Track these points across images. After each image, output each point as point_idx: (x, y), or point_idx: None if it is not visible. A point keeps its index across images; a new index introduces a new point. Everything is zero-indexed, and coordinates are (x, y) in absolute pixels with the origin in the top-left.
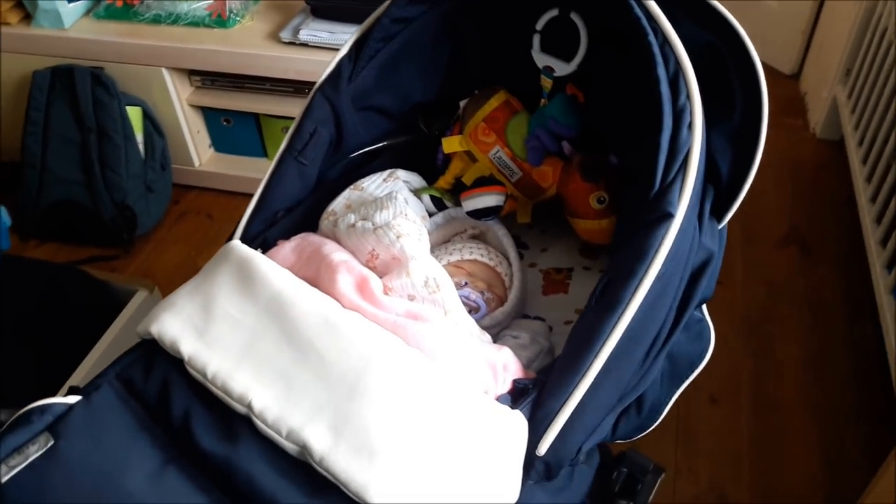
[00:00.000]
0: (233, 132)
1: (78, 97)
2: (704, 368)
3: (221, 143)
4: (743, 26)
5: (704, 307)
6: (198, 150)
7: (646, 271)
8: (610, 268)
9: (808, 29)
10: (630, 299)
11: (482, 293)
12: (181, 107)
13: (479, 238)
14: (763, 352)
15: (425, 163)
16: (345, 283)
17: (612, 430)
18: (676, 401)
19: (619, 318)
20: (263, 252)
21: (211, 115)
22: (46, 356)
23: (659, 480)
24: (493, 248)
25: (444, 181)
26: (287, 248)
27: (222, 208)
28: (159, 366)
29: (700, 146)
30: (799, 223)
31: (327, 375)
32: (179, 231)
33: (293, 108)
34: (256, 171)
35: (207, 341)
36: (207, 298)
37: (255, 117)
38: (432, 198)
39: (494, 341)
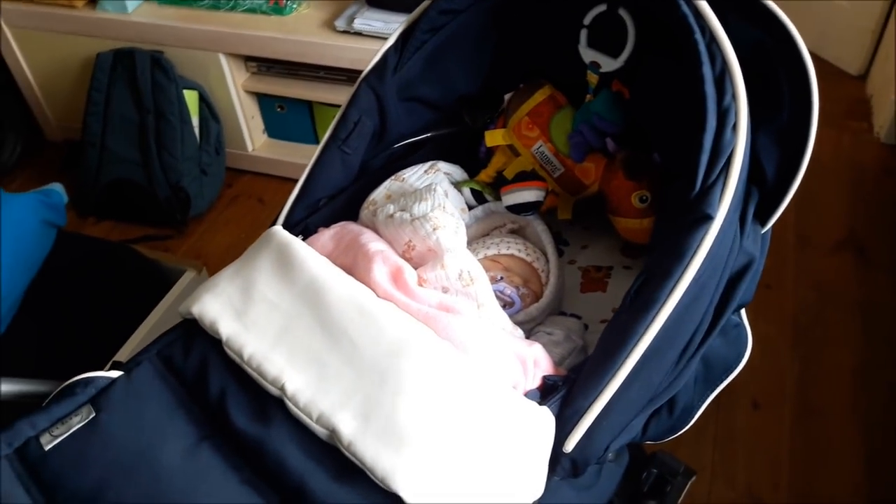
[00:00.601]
0: (286, 118)
1: (137, 79)
2: (748, 372)
3: (274, 128)
4: (810, 25)
5: (743, 312)
6: (251, 135)
7: (682, 273)
8: (646, 267)
9: (878, 29)
10: (665, 300)
11: (517, 288)
12: (237, 92)
13: (518, 233)
14: (810, 358)
15: (468, 156)
16: (380, 272)
17: (642, 431)
18: (716, 404)
19: (653, 319)
20: (304, 239)
21: (265, 102)
22: (97, 331)
23: (689, 483)
24: (532, 244)
25: (486, 175)
26: (326, 235)
27: (273, 192)
28: (198, 345)
29: (744, 148)
30: (857, 228)
31: (359, 362)
32: (231, 214)
33: (346, 96)
34: (307, 158)
35: (245, 323)
36: (247, 281)
37: (309, 105)
38: (472, 191)
39: (528, 337)
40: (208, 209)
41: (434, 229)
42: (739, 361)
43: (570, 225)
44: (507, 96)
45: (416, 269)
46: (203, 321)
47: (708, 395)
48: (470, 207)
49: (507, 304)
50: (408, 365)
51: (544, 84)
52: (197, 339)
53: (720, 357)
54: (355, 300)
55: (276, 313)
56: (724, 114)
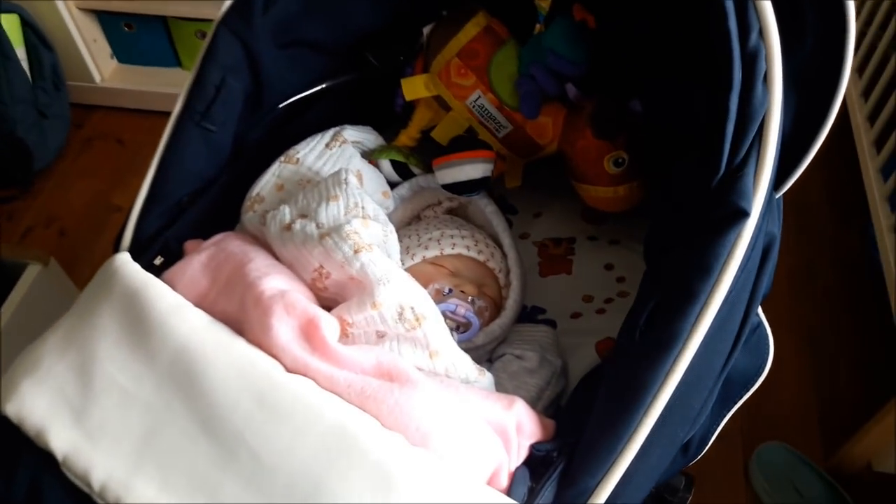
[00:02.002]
0: (137, 39)
1: None
2: None
3: (125, 52)
4: None
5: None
6: (97, 62)
7: (712, 292)
8: (653, 282)
9: None
10: (691, 333)
11: (472, 301)
12: (68, 11)
13: (457, 213)
14: None
15: (379, 110)
16: (283, 330)
17: None
18: None
19: (675, 360)
20: (166, 266)
21: (108, 20)
22: None
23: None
24: (480, 232)
25: (407, 136)
26: (196, 264)
27: (135, 130)
28: (26, 464)
29: (781, 108)
30: None
31: (269, 485)
32: (86, 162)
33: (208, 8)
34: (171, 85)
35: (89, 429)
36: (84, 355)
37: (163, 21)
38: (394, 163)
39: (491, 361)
40: (57, 159)
41: (356, 251)
42: (762, 372)
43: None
44: (425, 29)
45: (333, 306)
46: (25, 427)
47: (724, 416)
48: (392, 185)
49: (461, 327)
50: (343, 486)
51: (477, 11)
52: (22, 453)
53: (740, 371)
54: (251, 382)
55: (134, 409)
56: (752, 60)
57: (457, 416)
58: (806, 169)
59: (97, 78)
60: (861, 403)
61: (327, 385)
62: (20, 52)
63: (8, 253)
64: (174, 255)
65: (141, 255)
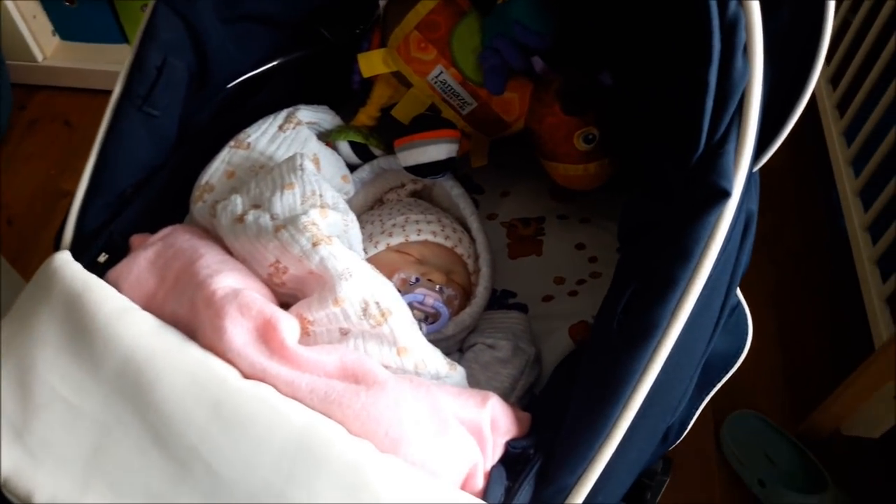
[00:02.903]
0: (79, 14)
1: None
2: None
3: (67, 29)
4: None
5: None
6: (38, 40)
7: (692, 277)
8: (629, 266)
9: None
10: (671, 321)
11: (440, 291)
12: None
13: (421, 195)
14: None
15: (336, 87)
16: (238, 332)
17: None
18: None
19: (654, 351)
20: (111, 263)
21: None
22: None
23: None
24: (447, 216)
25: (366, 115)
26: (142, 261)
27: (82, 111)
28: None
29: (761, 80)
30: None
31: (228, 501)
32: (32, 145)
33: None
34: (118, 63)
35: (32, 446)
36: (24, 367)
37: None
38: (353, 145)
39: (461, 351)
40: (0, 143)
41: (314, 244)
42: (741, 354)
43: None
44: (381, 1)
45: (292, 303)
46: None
47: (703, 400)
48: (352, 168)
49: (430, 317)
50: (303, 501)
51: None
52: None
53: (719, 354)
54: (205, 391)
55: (79, 424)
56: (731, 30)
57: (428, 419)
58: None
59: (39, 56)
60: (828, 370)
61: (288, 391)
62: None
63: None
64: (119, 251)
65: (84, 251)
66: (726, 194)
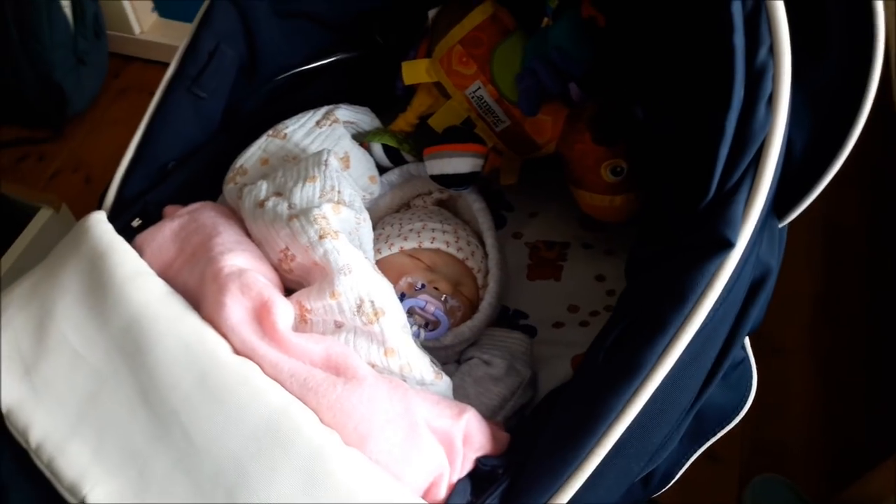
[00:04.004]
0: None
1: None
2: None
3: (166, 6)
4: None
5: (747, 340)
6: (138, 14)
7: (684, 322)
8: (627, 303)
9: None
10: (657, 363)
11: (444, 300)
12: None
13: (447, 205)
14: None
15: (381, 91)
16: (236, 310)
17: None
18: None
19: (637, 389)
20: (143, 229)
21: None
22: None
23: None
24: (465, 228)
25: (405, 121)
26: (167, 231)
27: None
28: None
29: (783, 132)
30: None
31: (197, 468)
32: (118, 111)
33: None
34: None
35: (36, 384)
36: (44, 312)
37: None
38: (386, 148)
39: (458, 362)
40: (91, 105)
41: (321, 237)
42: (739, 411)
43: (516, 183)
44: (431, 13)
45: (296, 287)
46: None
47: (694, 452)
48: (383, 170)
49: (430, 324)
50: (265, 481)
51: None
52: None
53: (716, 406)
54: (195, 360)
55: (81, 372)
56: (758, 78)
57: (399, 421)
58: (841, 188)
59: (137, 30)
60: (870, 446)
61: (271, 372)
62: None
63: (22, 195)
64: (153, 219)
65: (119, 215)
66: (729, 244)
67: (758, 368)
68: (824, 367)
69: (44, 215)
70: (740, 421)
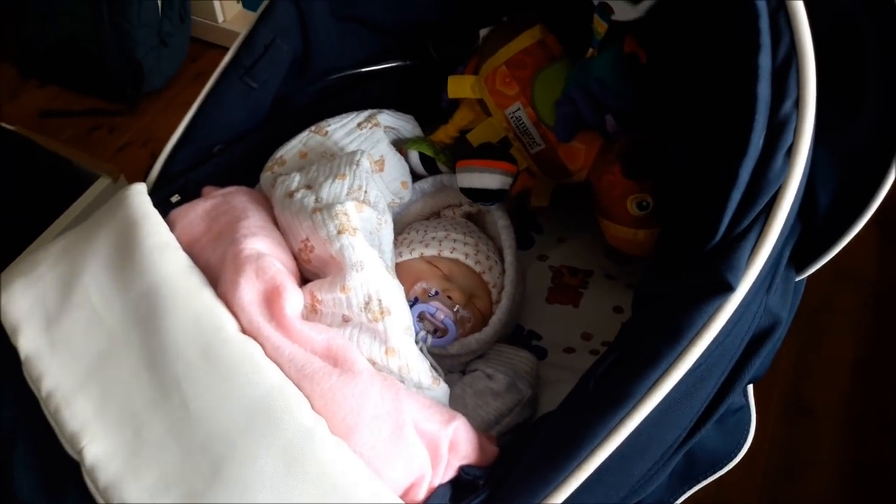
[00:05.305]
0: None
1: None
2: None
3: None
4: None
5: (750, 389)
6: (223, 4)
7: (675, 360)
8: (625, 337)
9: None
10: (644, 396)
11: (456, 310)
12: None
13: (475, 219)
14: (810, 346)
15: (428, 101)
16: (248, 291)
17: None
18: None
19: (622, 420)
20: (181, 203)
21: None
22: None
23: None
24: (487, 243)
25: (445, 133)
26: (199, 209)
27: None
28: None
29: (798, 185)
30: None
31: (188, 435)
32: (192, 94)
33: None
34: None
35: (55, 337)
36: (73, 270)
37: None
38: (422, 156)
39: (462, 372)
40: (167, 85)
41: (339, 232)
42: (733, 457)
43: (549, 206)
44: (483, 32)
45: (313, 278)
46: (4, 322)
47: (684, 493)
48: (418, 177)
49: (438, 331)
50: (249, 456)
51: (535, 23)
52: None
53: (709, 450)
54: (202, 334)
55: (97, 331)
56: (780, 129)
57: (387, 419)
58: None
59: (220, 18)
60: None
61: (272, 354)
62: None
63: (85, 163)
64: (191, 196)
65: (160, 189)
66: (730, 288)
67: (784, 426)
68: (853, 433)
69: (101, 184)
70: (762, 477)
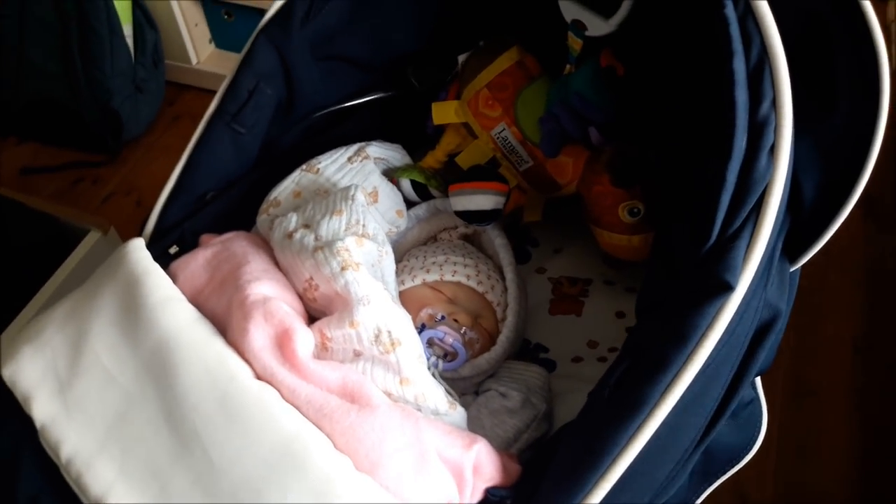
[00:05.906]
0: (235, 28)
1: None
2: None
3: (223, 38)
4: None
5: (759, 381)
6: (195, 45)
7: (685, 362)
8: (633, 344)
9: None
10: (659, 401)
11: (464, 333)
12: None
13: (471, 240)
14: (808, 328)
15: (412, 129)
16: (258, 337)
17: None
18: None
19: (640, 426)
20: (180, 254)
21: (211, 8)
22: None
23: None
24: (486, 262)
25: (434, 159)
26: (200, 259)
27: None
28: (10, 426)
29: (784, 181)
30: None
31: (214, 487)
32: (171, 137)
33: None
34: None
35: (69, 402)
36: (81, 332)
37: (261, 13)
38: (414, 183)
39: (475, 393)
40: (147, 131)
41: (343, 269)
42: (749, 449)
43: (542, 220)
44: (461, 57)
45: (320, 316)
46: (15, 391)
47: (704, 491)
48: (411, 204)
49: (448, 355)
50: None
51: (511, 45)
52: (9, 413)
53: (725, 445)
54: (217, 384)
55: (111, 391)
56: (760, 130)
57: (409, 450)
58: (887, 238)
59: (194, 59)
60: None
61: (289, 397)
62: (127, 30)
63: (72, 218)
64: (189, 246)
65: (157, 241)
66: (730, 288)
67: (790, 409)
68: (859, 409)
69: (92, 238)
70: (773, 461)
